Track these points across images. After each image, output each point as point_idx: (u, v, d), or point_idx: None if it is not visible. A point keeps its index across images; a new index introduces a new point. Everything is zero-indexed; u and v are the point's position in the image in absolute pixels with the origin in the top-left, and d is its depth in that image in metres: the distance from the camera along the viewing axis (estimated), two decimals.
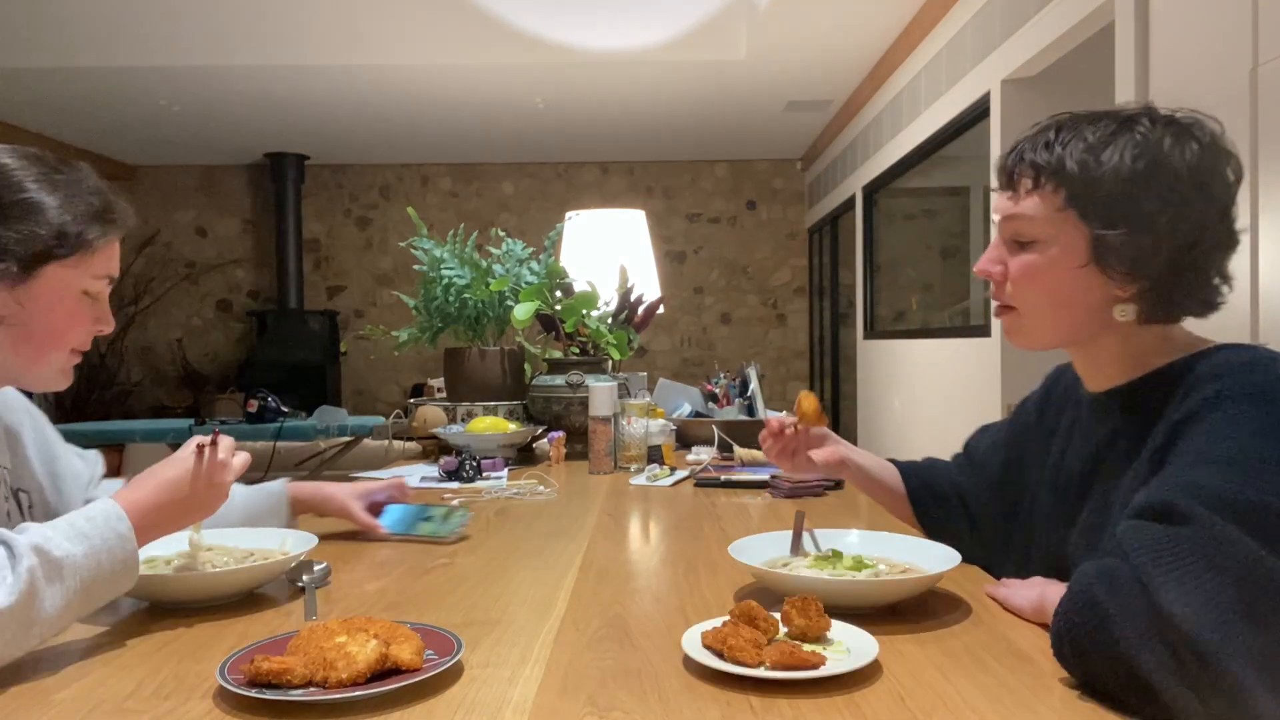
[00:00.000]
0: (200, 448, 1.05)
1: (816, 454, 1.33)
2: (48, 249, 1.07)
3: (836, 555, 1.13)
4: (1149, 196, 0.93)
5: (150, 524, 1.00)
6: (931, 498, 1.34)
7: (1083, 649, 0.79)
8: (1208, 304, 0.98)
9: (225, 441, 1.08)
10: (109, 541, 0.94)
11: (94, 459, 1.39)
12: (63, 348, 1.12)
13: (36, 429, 1.27)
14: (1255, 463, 0.82)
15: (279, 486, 1.44)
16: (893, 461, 1.41)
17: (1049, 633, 0.83)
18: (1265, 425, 0.85)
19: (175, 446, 4.58)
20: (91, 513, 0.95)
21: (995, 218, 1.06)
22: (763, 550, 1.16)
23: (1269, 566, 0.76)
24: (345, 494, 1.48)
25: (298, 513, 1.46)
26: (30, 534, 0.89)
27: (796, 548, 1.18)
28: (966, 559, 1.15)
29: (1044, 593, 0.98)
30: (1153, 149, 0.94)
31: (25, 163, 1.10)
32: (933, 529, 1.32)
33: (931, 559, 1.11)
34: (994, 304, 1.09)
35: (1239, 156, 0.98)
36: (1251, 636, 0.73)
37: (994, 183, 1.07)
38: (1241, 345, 0.97)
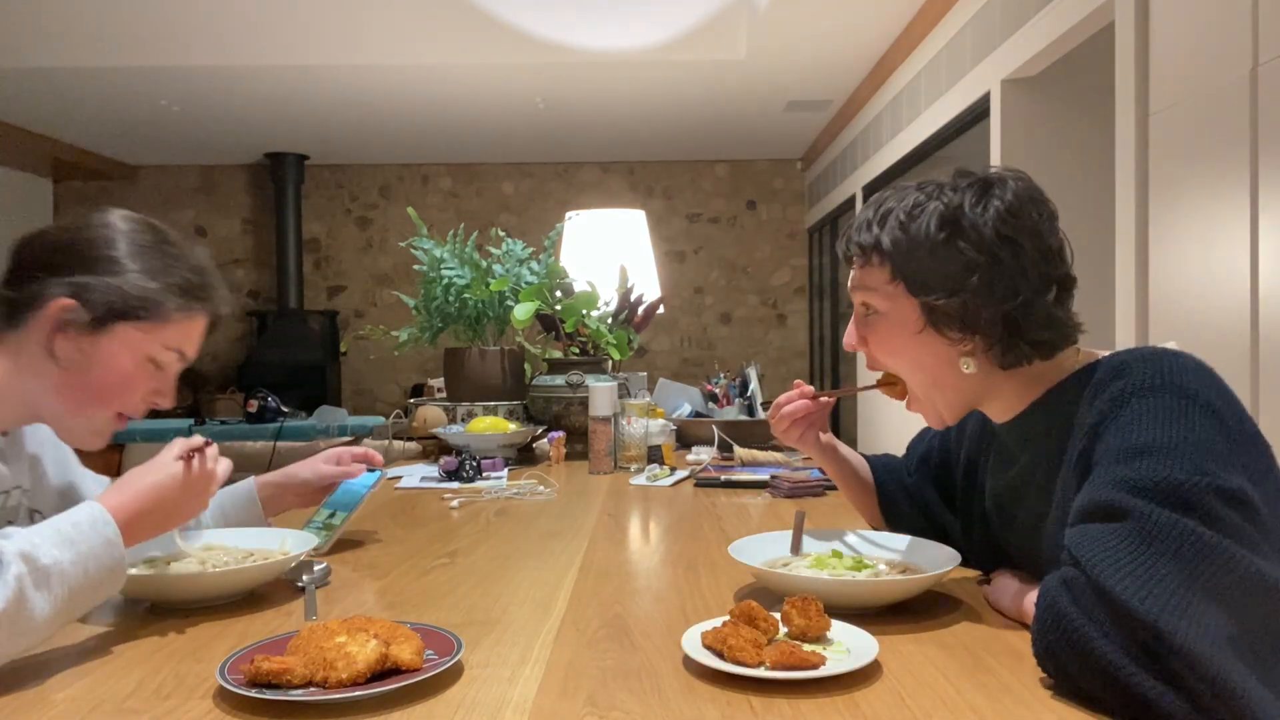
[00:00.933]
0: (189, 456, 1.04)
1: (823, 434, 1.35)
2: (123, 307, 1.09)
3: (836, 555, 1.13)
4: (955, 261, 0.98)
5: (134, 529, 0.99)
6: (903, 495, 1.34)
7: (1063, 664, 0.80)
8: (1053, 345, 1.01)
9: (212, 451, 1.07)
10: (95, 547, 0.92)
11: (108, 482, 1.39)
12: (107, 407, 1.13)
13: (58, 453, 1.28)
14: (1173, 447, 0.85)
15: (247, 484, 1.44)
16: (868, 460, 1.42)
17: (1032, 651, 0.84)
18: (1174, 412, 0.88)
19: None
20: (77, 517, 0.94)
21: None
22: (763, 550, 1.16)
23: (1209, 542, 0.78)
24: (311, 465, 1.47)
25: (271, 503, 1.44)
26: (16, 540, 0.88)
27: (796, 548, 1.18)
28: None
29: (1023, 596, 0.99)
30: (953, 214, 0.99)
31: (135, 227, 1.14)
32: (895, 524, 1.32)
33: (931, 559, 1.11)
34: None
35: (1049, 202, 1.01)
36: (1211, 613, 0.75)
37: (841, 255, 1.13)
38: (1135, 347, 1.01)
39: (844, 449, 1.37)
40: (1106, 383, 0.95)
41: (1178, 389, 0.90)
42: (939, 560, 1.10)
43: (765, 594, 1.10)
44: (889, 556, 1.16)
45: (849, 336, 1.12)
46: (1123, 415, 0.91)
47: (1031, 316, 0.98)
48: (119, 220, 1.14)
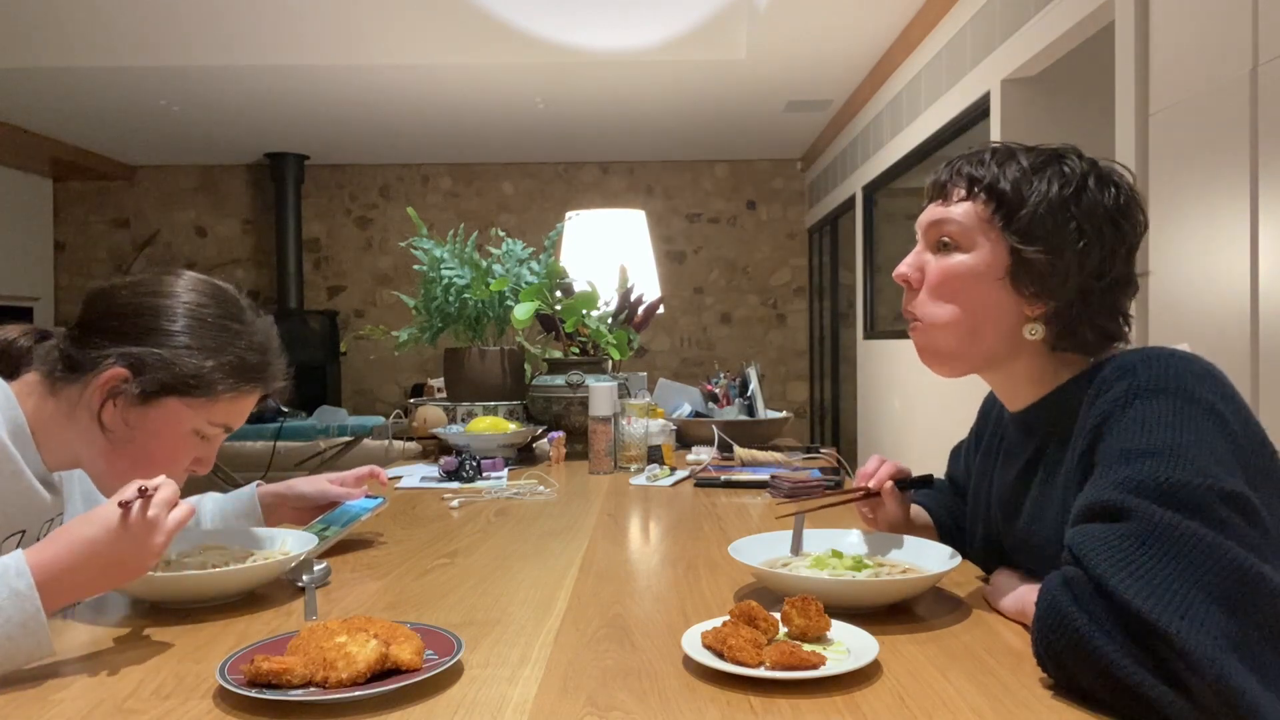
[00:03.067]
0: (126, 505, 0.92)
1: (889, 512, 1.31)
2: (173, 383, 1.10)
3: (836, 555, 1.13)
4: (1069, 223, 0.99)
5: (61, 587, 0.89)
6: (956, 529, 1.34)
7: (1065, 664, 0.80)
8: (1109, 336, 1.03)
9: (161, 496, 0.94)
10: (1, 599, 0.85)
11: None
12: (148, 477, 1.13)
13: (84, 479, 1.28)
14: (1176, 448, 0.85)
15: (249, 490, 1.44)
16: (916, 501, 1.39)
17: (1032, 651, 0.84)
18: (1178, 414, 0.88)
19: None
20: None
21: (919, 224, 1.09)
22: (763, 550, 1.16)
23: (1211, 543, 0.78)
24: (314, 480, 1.47)
25: (270, 512, 1.44)
26: None
27: (797, 548, 1.18)
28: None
29: (1024, 596, 0.99)
30: (1078, 182, 1.01)
31: (200, 300, 1.14)
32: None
33: (931, 559, 1.11)
34: (905, 317, 1.11)
35: (1145, 212, 1.04)
36: (1213, 615, 0.75)
37: (925, 196, 1.11)
38: (1141, 347, 1.01)
39: (912, 513, 1.34)
40: (1111, 382, 0.95)
41: (1182, 391, 0.90)
42: (939, 560, 1.10)
43: (765, 594, 1.10)
44: (889, 556, 1.16)
45: (905, 266, 1.08)
46: (1126, 416, 0.91)
47: (1104, 300, 1.01)
48: (186, 290, 1.15)
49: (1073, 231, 0.99)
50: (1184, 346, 1.02)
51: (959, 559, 1.09)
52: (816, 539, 1.20)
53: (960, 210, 1.04)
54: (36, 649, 0.87)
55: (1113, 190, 1.01)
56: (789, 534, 1.19)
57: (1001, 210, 1.01)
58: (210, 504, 1.41)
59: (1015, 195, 1.01)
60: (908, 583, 1.03)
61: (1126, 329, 1.04)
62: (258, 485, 1.45)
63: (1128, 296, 1.03)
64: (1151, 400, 0.90)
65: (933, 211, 1.07)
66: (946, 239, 1.05)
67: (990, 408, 1.27)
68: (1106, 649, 0.76)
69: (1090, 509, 0.86)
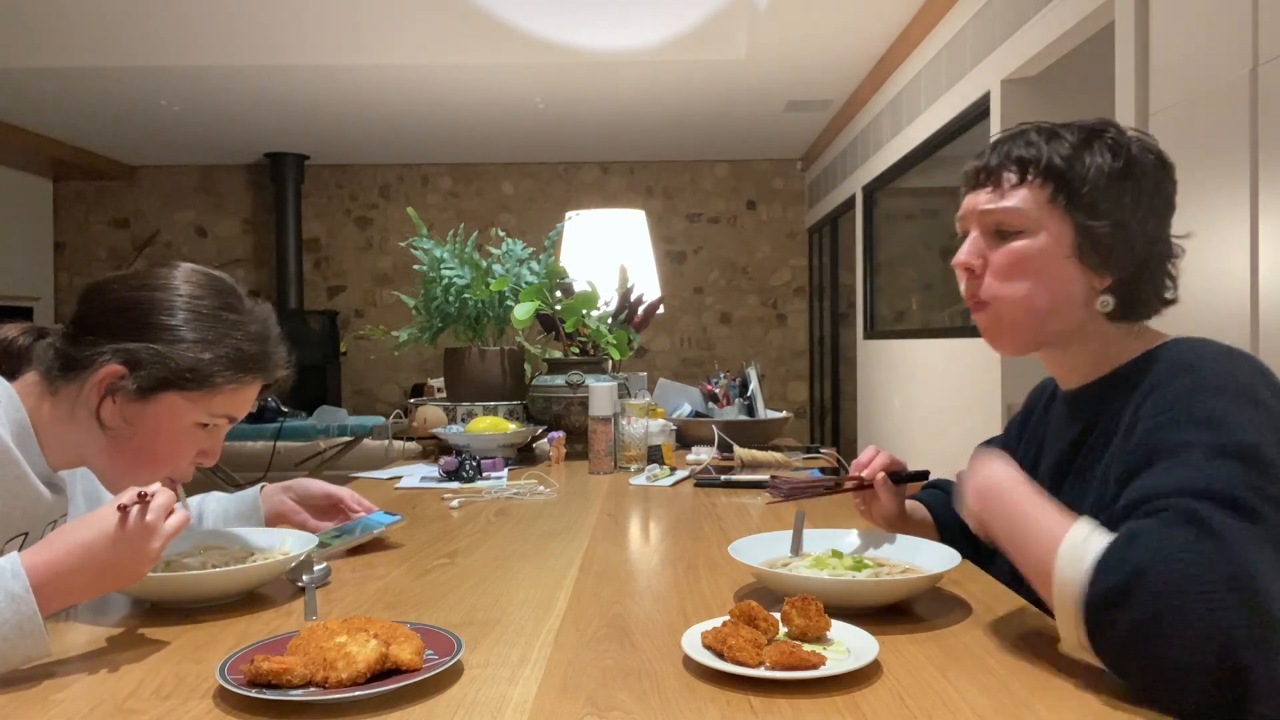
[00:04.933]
0: (124, 509, 0.93)
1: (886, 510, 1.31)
2: (171, 377, 1.09)
3: (836, 555, 1.13)
4: (1126, 193, 1.01)
5: (57, 590, 0.90)
6: (961, 531, 1.33)
7: (1157, 619, 0.74)
8: (1166, 301, 1.07)
9: (158, 502, 0.95)
10: None
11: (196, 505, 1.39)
12: (156, 471, 1.13)
13: (86, 477, 1.28)
14: (1249, 452, 0.85)
15: (252, 492, 1.42)
16: (918, 499, 1.39)
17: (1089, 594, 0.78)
18: (1246, 414, 0.89)
19: None
20: None
21: (969, 212, 1.08)
22: (763, 550, 1.16)
23: None
24: (326, 485, 1.46)
25: (273, 514, 1.43)
26: None
27: (797, 548, 1.18)
28: (1000, 562, 1.17)
29: (986, 474, 0.95)
30: (1125, 152, 1.02)
31: (196, 291, 1.14)
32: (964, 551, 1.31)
33: (931, 559, 1.11)
34: (969, 303, 1.10)
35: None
36: None
37: (967, 183, 1.10)
38: (1200, 339, 1.03)
39: (909, 508, 1.34)
40: (1172, 377, 0.96)
41: (1248, 392, 0.91)
42: (939, 560, 1.10)
43: (765, 594, 1.10)
44: (889, 556, 1.16)
45: (967, 254, 1.07)
46: (1195, 411, 0.90)
47: (1161, 265, 1.04)
48: (182, 282, 1.14)
49: (1131, 201, 1.01)
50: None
51: (959, 559, 1.09)
52: (816, 539, 1.20)
53: (1018, 197, 1.03)
54: (33, 650, 0.87)
55: (1152, 156, 1.04)
56: (789, 534, 1.19)
57: (1062, 189, 1.01)
58: (214, 504, 1.41)
59: (1073, 172, 1.01)
60: (907, 583, 1.03)
61: (1175, 289, 1.07)
62: (261, 487, 1.44)
63: (1178, 259, 1.06)
64: (1217, 398, 0.90)
65: (984, 199, 1.06)
66: (1006, 227, 1.04)
67: (1037, 400, 1.27)
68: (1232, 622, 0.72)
69: (1209, 490, 0.81)
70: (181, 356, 1.10)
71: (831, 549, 1.16)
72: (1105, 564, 0.78)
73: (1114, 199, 1.00)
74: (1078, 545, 0.81)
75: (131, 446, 1.11)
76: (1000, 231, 1.05)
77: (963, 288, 1.09)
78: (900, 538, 1.19)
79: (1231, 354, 0.98)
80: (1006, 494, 0.92)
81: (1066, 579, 0.80)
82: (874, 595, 1.02)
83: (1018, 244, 1.03)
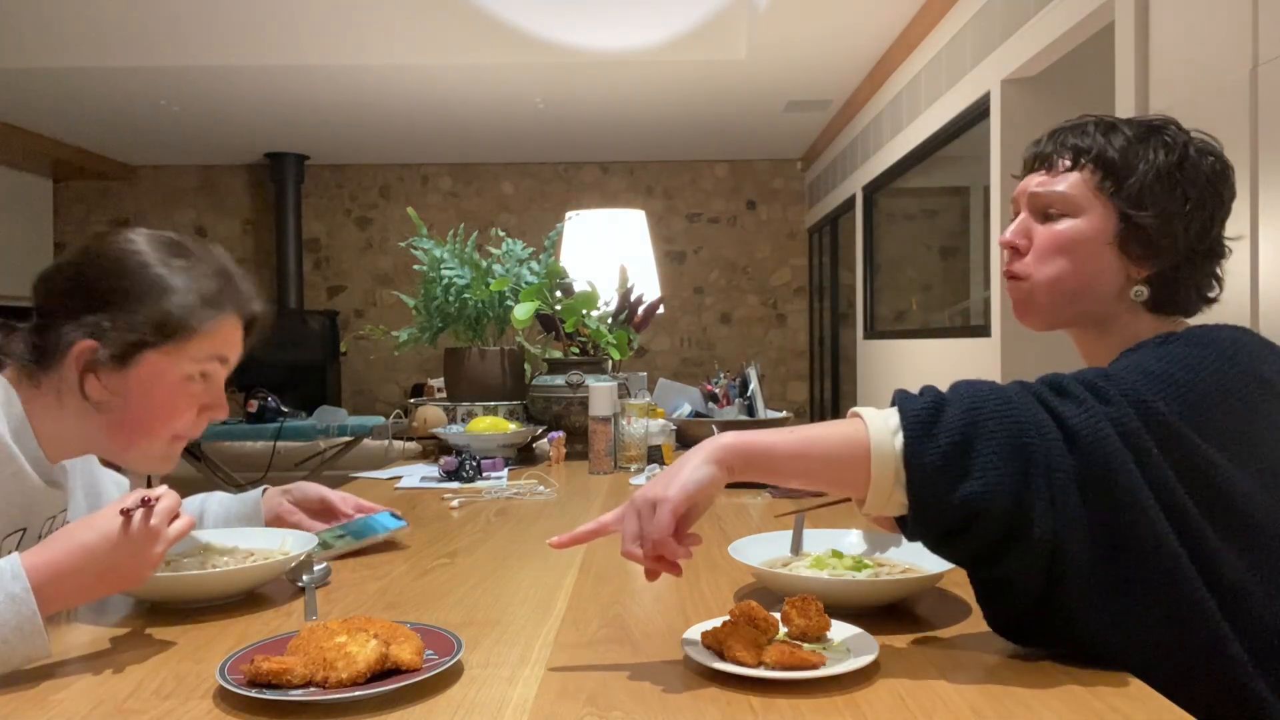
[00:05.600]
0: (127, 513, 0.92)
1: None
2: (143, 339, 1.08)
3: (836, 555, 1.13)
4: (1175, 189, 1.03)
5: (57, 591, 0.89)
6: None
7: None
8: (1205, 300, 1.08)
9: (163, 506, 0.94)
10: None
11: (127, 485, 1.37)
12: (159, 435, 1.12)
13: (85, 471, 1.28)
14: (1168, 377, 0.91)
15: (255, 494, 1.41)
16: None
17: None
18: (1186, 356, 0.93)
19: None
20: None
21: (1021, 193, 1.12)
22: (763, 550, 1.16)
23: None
24: (323, 489, 1.45)
25: (275, 514, 1.41)
26: None
27: (797, 548, 1.17)
28: None
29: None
30: (1180, 150, 1.04)
31: (142, 248, 1.11)
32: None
33: (931, 559, 1.11)
34: (1006, 277, 1.13)
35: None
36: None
37: (1024, 167, 1.14)
38: (1226, 326, 1.04)
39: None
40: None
41: (1202, 344, 0.95)
42: (939, 560, 1.10)
43: (765, 594, 1.10)
44: (889, 556, 1.16)
45: (1013, 234, 1.11)
46: (1160, 348, 0.95)
47: (1205, 264, 1.05)
48: (126, 245, 1.12)
49: (1179, 198, 1.02)
50: None
51: None
52: (816, 539, 1.20)
53: (1068, 180, 1.06)
54: (33, 651, 0.87)
55: (1210, 159, 1.05)
56: (789, 534, 1.19)
57: (1111, 178, 1.04)
58: (216, 505, 1.40)
59: (1124, 163, 1.04)
60: (907, 583, 1.03)
61: (1220, 290, 1.08)
62: (264, 490, 1.43)
63: (1223, 260, 1.08)
64: (1193, 347, 0.94)
65: (1038, 181, 1.09)
66: (1053, 209, 1.08)
67: None
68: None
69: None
70: (144, 314, 1.08)
71: (831, 549, 1.16)
72: (911, 399, 0.90)
73: (1162, 194, 1.02)
74: (879, 412, 0.91)
75: (129, 418, 1.10)
76: (1047, 213, 1.08)
77: (1004, 265, 1.14)
78: (901, 538, 1.19)
79: (1242, 332, 1.00)
80: (755, 437, 0.93)
81: (879, 427, 0.88)
82: (874, 595, 1.02)
83: (1060, 225, 1.07)
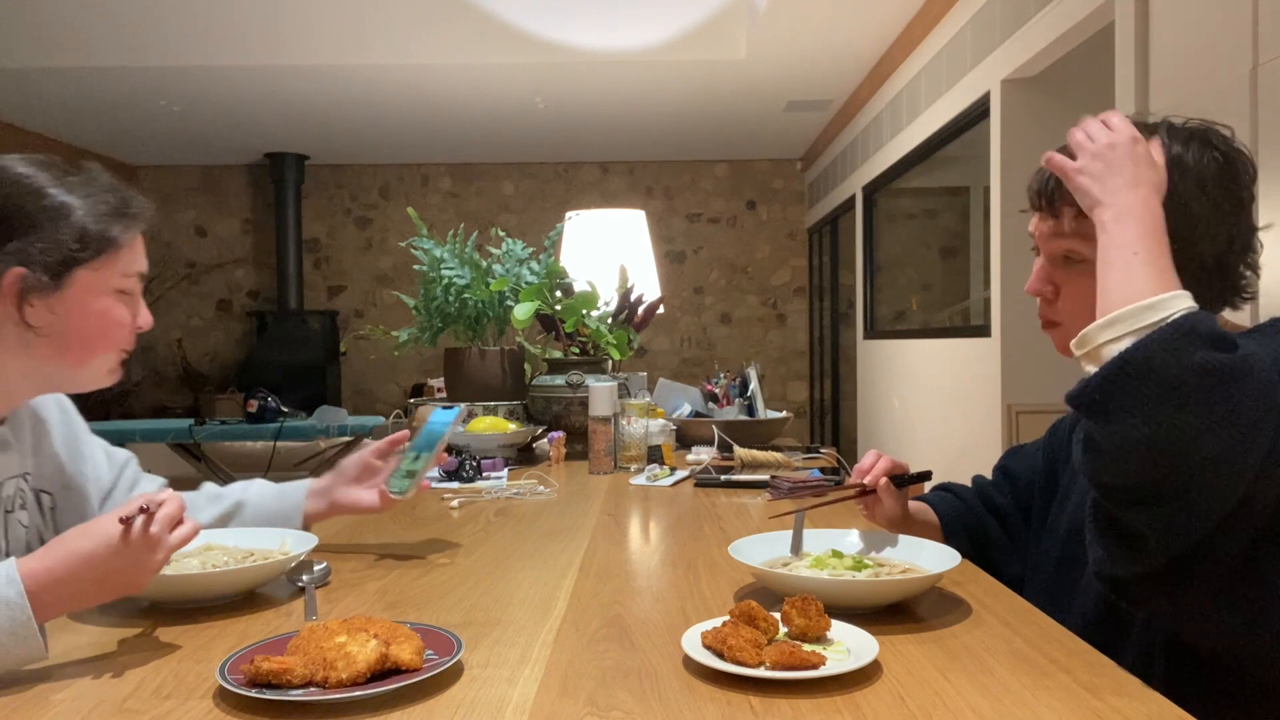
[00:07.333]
0: (127, 521, 0.91)
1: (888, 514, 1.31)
2: (73, 255, 1.07)
3: (836, 555, 1.13)
4: (1184, 210, 0.99)
5: (55, 597, 0.89)
6: (964, 531, 1.34)
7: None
8: (1242, 295, 1.05)
9: (164, 513, 0.93)
10: None
11: (122, 460, 1.33)
12: (104, 350, 1.12)
13: (66, 423, 1.26)
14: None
15: (299, 495, 1.36)
16: (924, 499, 1.40)
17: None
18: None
19: (175, 447, 4.59)
20: None
21: (1036, 236, 1.10)
22: (763, 550, 1.16)
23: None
24: (351, 495, 1.37)
25: (317, 514, 1.37)
26: None
27: (797, 548, 1.17)
28: (1007, 571, 1.21)
29: None
30: (1179, 166, 1.00)
31: (38, 169, 1.11)
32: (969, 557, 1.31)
33: (931, 559, 1.11)
34: (1042, 320, 1.13)
35: (1251, 161, 1.05)
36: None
37: (1030, 202, 1.11)
38: None
39: (914, 509, 1.34)
40: None
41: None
42: (939, 560, 1.10)
43: (765, 594, 1.10)
44: (890, 557, 1.16)
45: (1038, 282, 1.10)
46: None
47: (1234, 265, 1.02)
48: (20, 169, 1.10)
49: (1189, 211, 0.99)
50: None
51: (959, 559, 1.09)
52: (816, 539, 1.20)
53: (1078, 229, 1.04)
54: (28, 655, 0.87)
55: (1215, 156, 1.02)
56: (789, 534, 1.19)
57: None
58: (255, 499, 1.34)
59: None
60: (907, 583, 1.03)
61: (1256, 279, 1.06)
62: (307, 490, 1.36)
63: (1256, 253, 1.05)
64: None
65: (1047, 228, 1.08)
66: (1072, 256, 1.06)
67: (1055, 432, 1.28)
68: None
69: None
70: (68, 230, 1.07)
71: (831, 549, 1.16)
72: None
73: (1171, 215, 0.98)
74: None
75: (71, 339, 1.09)
76: (1067, 258, 1.07)
77: (1038, 311, 1.13)
78: (902, 538, 1.19)
79: None
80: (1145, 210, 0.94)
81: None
82: (874, 595, 1.02)
83: (1080, 279, 1.05)
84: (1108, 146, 0.97)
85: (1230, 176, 1.01)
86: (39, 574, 0.88)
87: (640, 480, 2.03)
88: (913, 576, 1.05)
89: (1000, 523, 1.35)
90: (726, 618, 0.90)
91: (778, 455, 2.21)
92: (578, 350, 2.51)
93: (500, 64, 5.49)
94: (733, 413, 2.64)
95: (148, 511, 0.92)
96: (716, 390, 2.72)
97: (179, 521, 0.95)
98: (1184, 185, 1.00)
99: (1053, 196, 1.07)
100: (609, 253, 2.89)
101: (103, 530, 0.91)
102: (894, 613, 1.02)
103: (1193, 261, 1.00)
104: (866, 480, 1.27)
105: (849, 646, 0.89)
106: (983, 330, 4.04)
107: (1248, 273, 1.05)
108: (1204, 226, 1.00)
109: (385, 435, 1.40)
